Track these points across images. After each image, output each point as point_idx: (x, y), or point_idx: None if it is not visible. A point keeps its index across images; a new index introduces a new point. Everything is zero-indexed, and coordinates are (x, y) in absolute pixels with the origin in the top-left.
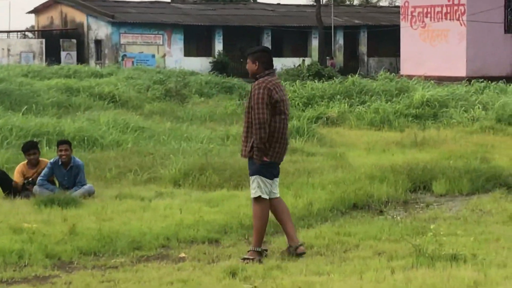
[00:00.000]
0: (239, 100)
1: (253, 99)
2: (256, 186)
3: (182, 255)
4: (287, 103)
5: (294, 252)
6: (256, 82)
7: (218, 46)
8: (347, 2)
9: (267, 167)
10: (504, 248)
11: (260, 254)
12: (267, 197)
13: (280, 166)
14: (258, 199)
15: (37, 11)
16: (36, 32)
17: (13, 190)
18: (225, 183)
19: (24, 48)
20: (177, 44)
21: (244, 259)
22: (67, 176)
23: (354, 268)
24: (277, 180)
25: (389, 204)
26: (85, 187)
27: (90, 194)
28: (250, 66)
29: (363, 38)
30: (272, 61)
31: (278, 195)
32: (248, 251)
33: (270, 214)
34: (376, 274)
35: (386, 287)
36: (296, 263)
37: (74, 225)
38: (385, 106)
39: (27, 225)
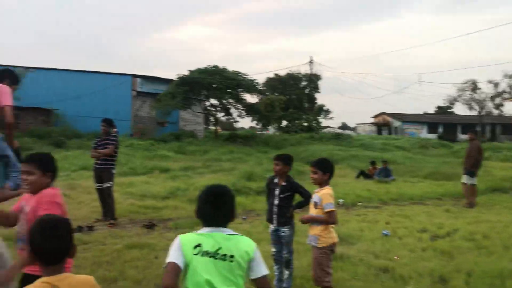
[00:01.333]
0: None
1: (469, 150)
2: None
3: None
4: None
5: None
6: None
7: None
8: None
9: (473, 173)
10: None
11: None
12: None
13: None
14: None
15: (375, 116)
16: (374, 125)
17: (363, 175)
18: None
19: (366, 131)
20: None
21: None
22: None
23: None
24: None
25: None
26: None
27: None
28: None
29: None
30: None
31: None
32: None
33: None
34: None
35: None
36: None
37: None
38: None
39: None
